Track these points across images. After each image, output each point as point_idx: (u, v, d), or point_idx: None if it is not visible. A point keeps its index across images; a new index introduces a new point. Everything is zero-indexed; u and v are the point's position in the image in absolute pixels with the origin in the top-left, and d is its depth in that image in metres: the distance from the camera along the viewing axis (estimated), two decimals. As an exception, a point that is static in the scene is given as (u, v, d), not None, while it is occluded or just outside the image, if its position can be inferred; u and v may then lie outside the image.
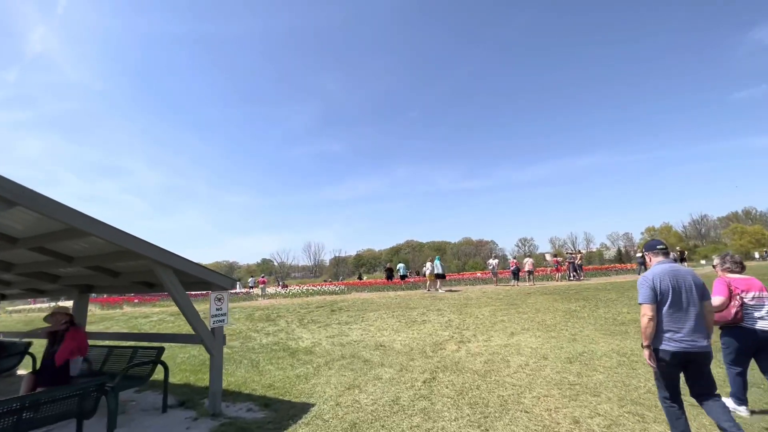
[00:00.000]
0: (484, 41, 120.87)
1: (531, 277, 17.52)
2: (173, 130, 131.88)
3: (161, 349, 4.67)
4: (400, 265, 23.57)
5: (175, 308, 15.98)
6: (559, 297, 12.40)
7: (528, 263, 17.81)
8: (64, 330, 4.28)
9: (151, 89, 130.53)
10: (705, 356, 2.87)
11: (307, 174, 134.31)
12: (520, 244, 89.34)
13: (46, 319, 4.46)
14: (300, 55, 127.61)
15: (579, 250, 49.02)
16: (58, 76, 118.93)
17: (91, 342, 5.88)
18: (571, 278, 18.02)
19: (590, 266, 26.90)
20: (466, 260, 76.77)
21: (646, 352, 2.96)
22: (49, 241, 3.88)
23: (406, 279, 22.78)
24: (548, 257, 27.51)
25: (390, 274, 22.85)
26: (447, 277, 16.92)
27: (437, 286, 15.60)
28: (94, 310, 21.51)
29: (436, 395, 4.64)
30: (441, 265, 16.07)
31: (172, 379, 6.16)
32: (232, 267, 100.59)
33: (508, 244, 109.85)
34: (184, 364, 7.02)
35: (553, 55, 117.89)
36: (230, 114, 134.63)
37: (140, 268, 4.77)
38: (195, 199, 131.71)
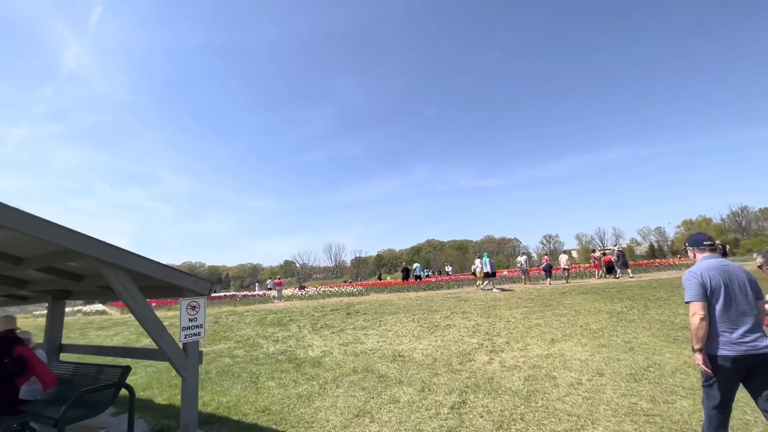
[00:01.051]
0: (500, 38, 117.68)
1: (567, 274, 16.17)
2: (197, 138, 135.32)
3: (126, 370, 3.83)
4: (416, 265, 22.58)
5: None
6: (599, 296, 11.07)
7: (563, 260, 16.47)
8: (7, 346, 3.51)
9: (175, 99, 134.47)
10: None
11: (325, 177, 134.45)
12: (544, 241, 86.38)
13: None
14: (315, 60, 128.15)
15: (618, 244, 46.50)
16: (90, 90, 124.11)
17: (64, 357, 5.19)
18: (609, 275, 16.51)
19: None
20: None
21: (698, 357, 2.54)
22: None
23: (427, 278, 21.76)
24: (574, 254, 25.97)
25: (407, 274, 22.03)
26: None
27: (486, 284, 14.47)
28: (112, 313, 21.47)
29: (469, 428, 3.60)
30: (490, 262, 14.75)
31: (158, 399, 5.39)
32: (255, 269, 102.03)
33: (532, 242, 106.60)
34: (176, 379, 6.23)
35: (577, 48, 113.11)
36: (250, 120, 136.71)
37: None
38: (220, 205, 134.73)
